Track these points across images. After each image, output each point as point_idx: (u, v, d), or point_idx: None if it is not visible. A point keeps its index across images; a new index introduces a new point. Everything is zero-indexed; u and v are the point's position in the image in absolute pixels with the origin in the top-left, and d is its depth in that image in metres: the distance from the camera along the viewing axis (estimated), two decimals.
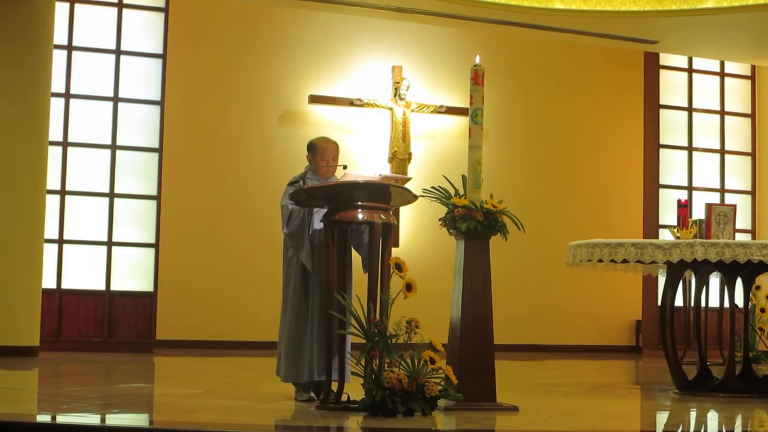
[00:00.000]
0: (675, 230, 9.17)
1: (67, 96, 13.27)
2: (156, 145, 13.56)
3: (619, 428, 7.11)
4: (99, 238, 13.34)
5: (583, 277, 14.06)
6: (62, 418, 6.77)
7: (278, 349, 7.94)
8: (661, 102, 15.96)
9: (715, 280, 10.46)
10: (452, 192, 7.52)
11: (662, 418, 8.05)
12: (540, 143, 15.26)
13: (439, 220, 7.59)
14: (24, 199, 11.87)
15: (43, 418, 6.94)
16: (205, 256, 13.65)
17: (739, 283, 9.12)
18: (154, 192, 13.51)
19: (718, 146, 16.28)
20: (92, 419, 6.63)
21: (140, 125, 13.58)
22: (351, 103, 14.19)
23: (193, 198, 13.68)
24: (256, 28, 14.09)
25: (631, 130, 15.75)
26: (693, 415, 7.96)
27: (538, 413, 7.51)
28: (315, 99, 14.07)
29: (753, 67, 16.44)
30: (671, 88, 16.14)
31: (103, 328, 13.25)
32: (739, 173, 16.35)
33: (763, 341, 11.20)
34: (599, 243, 8.89)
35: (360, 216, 7.38)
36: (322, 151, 8.06)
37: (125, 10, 13.64)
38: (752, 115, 16.46)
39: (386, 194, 7.50)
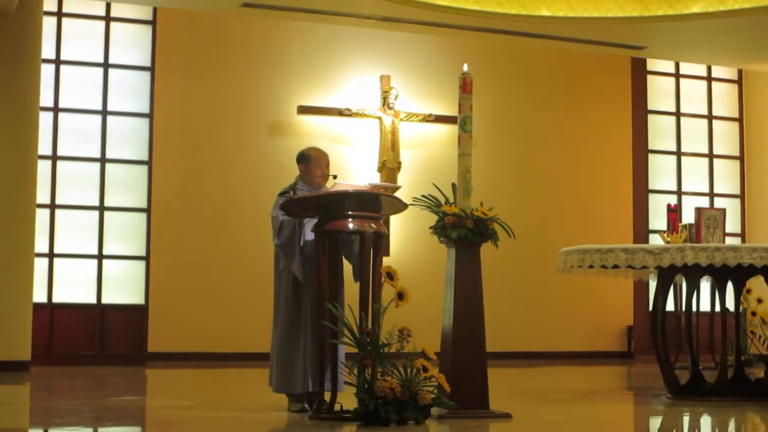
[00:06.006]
0: (665, 235, 9.20)
1: (56, 110, 13.27)
2: (145, 157, 13.56)
3: None
4: (89, 252, 13.33)
5: (574, 283, 14.07)
6: None
7: (270, 360, 7.93)
8: (649, 107, 16.00)
9: (705, 284, 10.48)
10: (442, 200, 7.54)
11: (655, 423, 8.08)
12: (529, 150, 15.26)
13: (430, 228, 7.60)
14: (14, 213, 11.86)
15: None
16: (196, 268, 13.62)
17: (729, 287, 9.15)
18: (144, 205, 13.51)
19: (706, 150, 16.32)
20: None
21: (129, 138, 13.58)
22: (340, 113, 14.18)
23: (182, 210, 13.65)
24: (244, 40, 14.09)
25: (620, 135, 15.76)
26: (686, 419, 7.98)
27: (531, 420, 7.52)
28: (304, 109, 14.06)
29: (740, 71, 16.49)
30: (659, 93, 16.17)
31: (95, 342, 13.23)
32: (727, 177, 16.39)
33: (754, 345, 11.21)
34: (590, 249, 8.91)
35: (351, 225, 7.40)
36: (316, 160, 8.07)
37: (113, 23, 13.64)
38: (740, 119, 16.51)
39: (376, 203, 7.51)
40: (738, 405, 8.51)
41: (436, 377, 6.94)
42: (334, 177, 7.95)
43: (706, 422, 7.80)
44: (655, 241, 14.49)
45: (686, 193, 16.07)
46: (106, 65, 13.56)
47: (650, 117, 16.00)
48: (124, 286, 13.44)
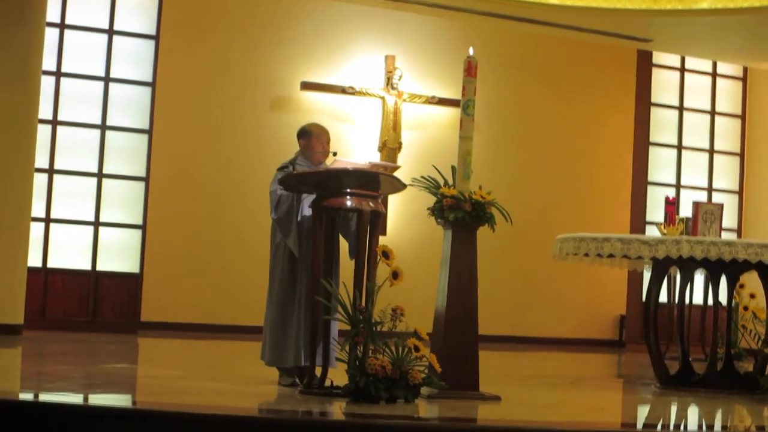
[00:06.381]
0: (662, 227, 9.21)
1: (58, 74, 13.26)
2: (146, 126, 13.56)
3: (601, 420, 7.14)
4: (86, 218, 13.33)
5: (568, 271, 14.07)
6: (45, 397, 6.78)
7: (263, 333, 7.95)
8: (653, 100, 16.00)
9: (699, 278, 10.49)
10: (441, 182, 7.54)
11: (643, 411, 8.10)
12: (530, 136, 15.27)
13: (428, 209, 7.60)
14: (11, 177, 11.84)
15: (26, 396, 6.93)
16: (192, 239, 13.63)
17: (723, 281, 9.17)
18: (142, 173, 13.52)
19: (707, 146, 16.33)
20: (75, 398, 6.63)
21: (131, 106, 13.57)
22: (343, 90, 14.17)
23: (181, 180, 13.65)
24: (251, 13, 14.07)
25: (622, 126, 15.77)
26: (674, 409, 8.00)
27: (520, 404, 7.54)
28: (307, 86, 14.05)
29: (745, 69, 16.47)
30: (663, 86, 16.17)
31: (88, 308, 13.24)
32: (727, 173, 16.41)
33: (745, 339, 11.22)
34: (586, 237, 8.92)
35: (348, 203, 7.39)
36: (317, 136, 8.09)
37: None
38: (742, 116, 16.51)
39: (375, 182, 7.51)
40: (726, 397, 8.53)
41: (427, 357, 6.95)
42: (334, 154, 7.95)
43: (693, 412, 7.83)
44: (652, 232, 14.51)
45: (685, 187, 16.09)
46: (110, 32, 13.54)
47: (653, 110, 16.01)
48: (119, 254, 13.46)
